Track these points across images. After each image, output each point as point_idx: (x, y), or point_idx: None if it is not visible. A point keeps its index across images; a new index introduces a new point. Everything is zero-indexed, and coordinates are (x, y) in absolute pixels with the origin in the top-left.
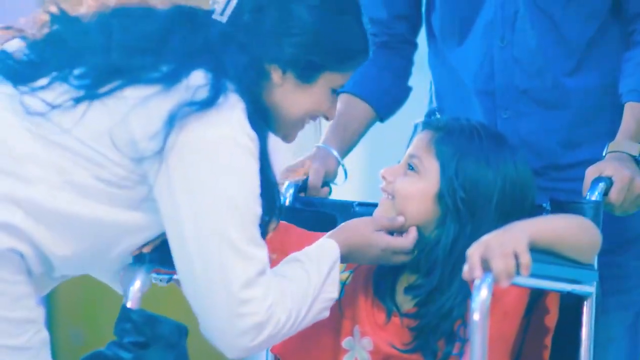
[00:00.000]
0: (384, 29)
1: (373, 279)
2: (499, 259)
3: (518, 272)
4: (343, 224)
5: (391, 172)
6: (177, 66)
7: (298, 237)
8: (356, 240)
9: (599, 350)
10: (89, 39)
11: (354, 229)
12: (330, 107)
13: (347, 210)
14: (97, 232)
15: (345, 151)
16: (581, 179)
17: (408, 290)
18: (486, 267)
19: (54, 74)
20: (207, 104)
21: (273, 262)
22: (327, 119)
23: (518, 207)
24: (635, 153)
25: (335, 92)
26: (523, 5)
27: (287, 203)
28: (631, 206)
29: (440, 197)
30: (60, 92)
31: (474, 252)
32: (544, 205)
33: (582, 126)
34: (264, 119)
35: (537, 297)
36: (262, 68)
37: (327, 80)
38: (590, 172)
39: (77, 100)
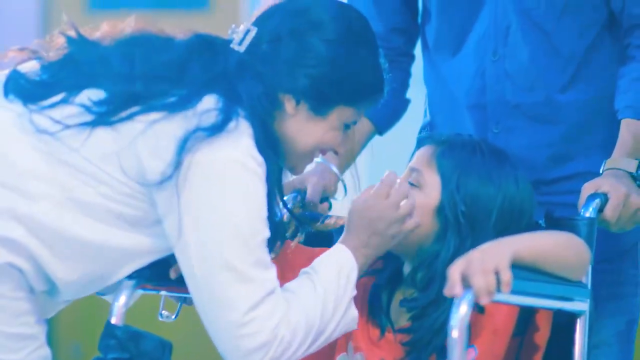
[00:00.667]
0: (380, 42)
1: (369, 294)
2: (479, 276)
3: (499, 289)
4: (349, 216)
5: None
6: (190, 92)
7: (295, 252)
8: (364, 224)
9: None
10: (110, 65)
11: (358, 212)
12: (341, 142)
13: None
14: (99, 254)
15: (344, 166)
16: (572, 192)
17: (404, 302)
18: (467, 284)
19: (64, 94)
20: (217, 128)
21: None
22: (336, 153)
23: (516, 224)
24: (632, 170)
25: (348, 128)
26: (516, 18)
27: (284, 219)
28: (628, 223)
29: (440, 211)
30: (70, 113)
31: (455, 269)
32: (540, 222)
33: (573, 140)
34: (273, 149)
35: (528, 314)
36: (276, 97)
37: (340, 114)
38: (587, 188)
39: (93, 124)
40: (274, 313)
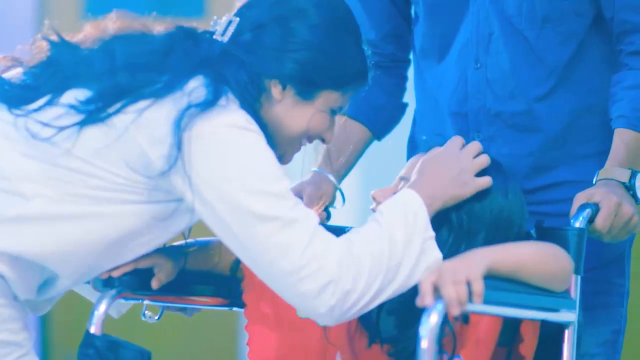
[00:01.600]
0: (374, 49)
1: None
2: (450, 286)
3: (471, 300)
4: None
5: (381, 193)
6: (176, 76)
7: None
8: (433, 169)
9: None
10: (92, 64)
11: (430, 159)
12: (328, 128)
13: (338, 236)
14: (89, 229)
15: (342, 174)
16: (553, 201)
17: (391, 312)
18: (438, 294)
19: (49, 97)
20: (210, 103)
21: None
22: (323, 141)
23: (504, 234)
24: (625, 179)
25: (334, 114)
26: (498, 26)
27: None
28: (621, 233)
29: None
30: (57, 114)
31: (426, 279)
32: (531, 232)
33: (554, 149)
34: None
35: (514, 325)
36: (262, 84)
37: (326, 99)
38: (579, 198)
39: (83, 123)
40: (329, 247)
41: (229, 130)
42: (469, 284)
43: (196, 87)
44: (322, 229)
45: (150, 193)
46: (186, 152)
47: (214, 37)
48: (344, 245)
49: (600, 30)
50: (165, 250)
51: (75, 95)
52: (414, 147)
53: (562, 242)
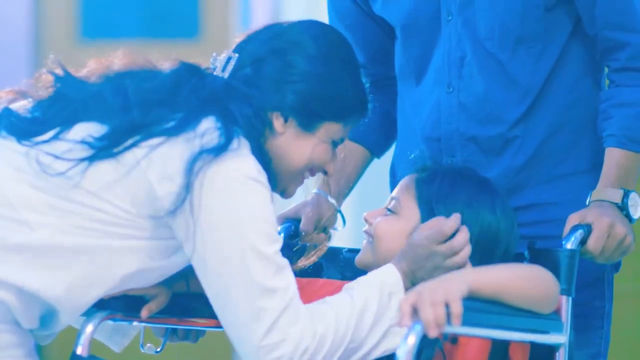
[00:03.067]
0: (365, 72)
1: None
2: (428, 308)
3: (450, 322)
4: (407, 244)
5: (372, 214)
6: (188, 114)
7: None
8: (415, 255)
9: None
10: (104, 99)
11: (411, 244)
12: (330, 160)
13: (336, 257)
14: (91, 259)
15: (343, 195)
16: (527, 224)
17: None
18: (417, 315)
19: (57, 129)
20: (222, 148)
21: None
22: (325, 174)
23: (491, 252)
24: (617, 200)
25: (335, 145)
26: (471, 50)
27: None
28: (614, 254)
29: None
30: (67, 148)
31: (405, 300)
32: (524, 253)
33: (528, 171)
34: (267, 169)
35: (503, 347)
36: (266, 117)
37: (328, 130)
38: (571, 220)
39: (95, 158)
40: (297, 321)
41: (240, 182)
42: (448, 306)
43: (208, 129)
44: (296, 299)
45: (154, 230)
46: (196, 195)
47: (215, 73)
48: (310, 321)
49: (578, 42)
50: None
51: (87, 129)
52: (392, 172)
53: (554, 263)
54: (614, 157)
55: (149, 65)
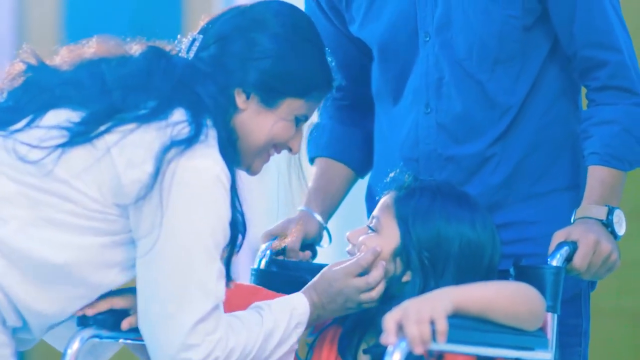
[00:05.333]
0: (346, 93)
1: (338, 339)
2: (413, 325)
3: (435, 339)
4: (319, 276)
5: (354, 234)
6: (160, 104)
7: (266, 299)
8: (328, 289)
9: None
10: (81, 85)
11: (325, 277)
12: (294, 137)
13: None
14: (69, 274)
15: (328, 213)
16: (505, 242)
17: (367, 350)
18: (402, 332)
19: (31, 117)
20: (192, 140)
21: None
22: (290, 150)
23: (475, 267)
24: (602, 217)
25: (299, 123)
26: (449, 70)
27: (262, 266)
28: (601, 270)
29: (399, 254)
30: (41, 136)
31: (390, 317)
32: (510, 270)
33: (506, 190)
34: (235, 148)
35: None
36: (230, 94)
37: (290, 106)
38: (557, 237)
39: (71, 144)
40: (217, 330)
41: (207, 180)
42: (433, 323)
43: (180, 121)
44: (222, 309)
45: (125, 223)
46: (166, 187)
47: (180, 54)
48: (226, 332)
49: (555, 62)
50: None
51: (63, 115)
52: (369, 192)
53: (539, 280)
54: (597, 174)
55: (121, 51)
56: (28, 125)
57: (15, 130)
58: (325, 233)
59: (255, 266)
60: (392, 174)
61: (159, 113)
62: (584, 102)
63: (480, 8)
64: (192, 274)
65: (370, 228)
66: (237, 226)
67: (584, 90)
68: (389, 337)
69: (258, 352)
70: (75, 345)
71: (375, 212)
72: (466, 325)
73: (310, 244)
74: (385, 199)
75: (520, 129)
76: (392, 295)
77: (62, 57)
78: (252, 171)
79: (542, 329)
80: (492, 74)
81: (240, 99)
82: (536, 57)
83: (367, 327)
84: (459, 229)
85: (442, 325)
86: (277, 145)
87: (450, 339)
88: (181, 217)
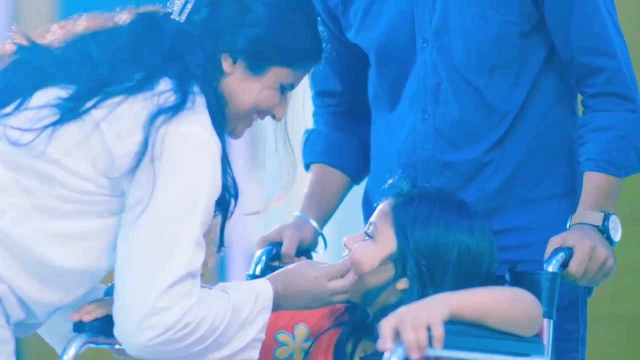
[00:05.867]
0: (342, 99)
1: (334, 346)
2: (410, 331)
3: (432, 345)
4: (287, 267)
5: (351, 240)
6: (147, 74)
7: None
8: (297, 283)
9: None
10: (70, 62)
11: (296, 272)
12: (278, 104)
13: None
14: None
15: (323, 219)
16: (502, 248)
17: (363, 359)
18: (399, 338)
19: (21, 99)
20: (178, 107)
21: None
22: (274, 117)
23: (472, 274)
24: (598, 223)
25: (284, 91)
26: (446, 76)
27: (257, 272)
28: (597, 276)
29: (394, 261)
30: (31, 117)
31: (387, 323)
32: (505, 276)
33: (504, 195)
34: (223, 113)
35: None
36: (218, 59)
37: (277, 74)
38: (553, 242)
39: (60, 122)
40: (191, 295)
41: (196, 147)
42: (429, 329)
43: (166, 90)
44: (199, 279)
45: (119, 202)
46: (157, 153)
47: (171, 17)
48: (200, 301)
49: (552, 68)
50: None
51: (52, 93)
52: (366, 198)
53: (535, 286)
54: (593, 181)
55: (109, 23)
56: (17, 108)
57: (5, 114)
58: (320, 239)
59: (251, 272)
60: (390, 181)
61: (145, 84)
62: (580, 109)
63: (478, 14)
64: (174, 239)
65: (367, 234)
66: (230, 191)
67: (580, 97)
68: (385, 342)
69: (226, 327)
70: (72, 351)
71: (372, 219)
72: (463, 331)
73: (305, 250)
74: (382, 206)
75: (518, 135)
76: (389, 303)
77: (54, 35)
78: (234, 135)
79: (539, 335)
80: (490, 80)
81: (226, 64)
82: (533, 63)
83: (363, 334)
84: (457, 236)
85: (439, 331)
86: (261, 112)
87: (447, 345)
88: (170, 183)
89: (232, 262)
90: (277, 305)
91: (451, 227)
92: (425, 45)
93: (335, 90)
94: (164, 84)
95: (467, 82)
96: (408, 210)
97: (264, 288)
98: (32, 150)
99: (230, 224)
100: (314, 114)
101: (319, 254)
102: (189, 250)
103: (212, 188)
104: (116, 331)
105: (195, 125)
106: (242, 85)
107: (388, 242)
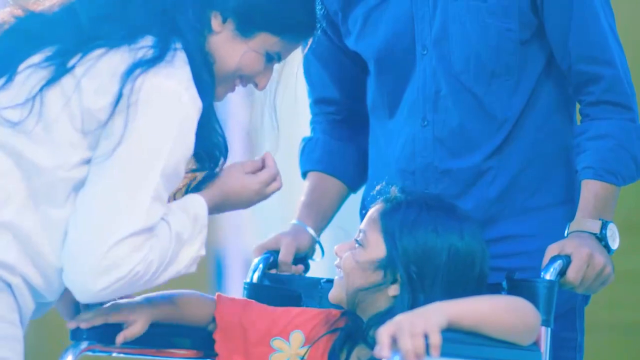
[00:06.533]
0: (340, 107)
1: (329, 353)
2: (407, 339)
3: (429, 353)
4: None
5: (342, 248)
6: (130, 30)
7: (258, 312)
8: (229, 185)
9: None
10: (56, 23)
11: (225, 177)
12: (262, 73)
13: (314, 287)
14: None
15: (320, 226)
16: (499, 256)
17: None
18: (396, 346)
19: (8, 74)
20: (156, 60)
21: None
22: (256, 86)
23: (463, 277)
24: (596, 231)
25: (270, 59)
26: (446, 84)
27: (255, 280)
28: (595, 284)
29: (383, 268)
30: (20, 85)
31: (384, 330)
32: (503, 284)
33: (502, 203)
34: (209, 70)
35: None
36: (207, 16)
37: (264, 40)
38: (550, 250)
39: (48, 83)
40: (143, 249)
41: (171, 100)
42: (427, 337)
43: (146, 45)
44: (154, 231)
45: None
46: (133, 100)
47: None
48: (148, 252)
49: (551, 76)
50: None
51: (39, 57)
52: (363, 206)
53: (532, 294)
54: (591, 188)
55: None
56: (7, 82)
57: None
58: (317, 246)
59: (248, 280)
60: (378, 187)
61: (127, 39)
62: (577, 117)
63: (477, 21)
64: (133, 191)
65: (357, 242)
66: (219, 148)
67: (577, 105)
68: (383, 350)
69: (170, 258)
70: (69, 358)
71: (362, 226)
72: (460, 339)
73: (302, 258)
74: (371, 212)
75: (516, 143)
76: (381, 310)
77: (50, 1)
78: (215, 98)
79: (536, 343)
80: (489, 88)
81: (215, 22)
82: (532, 71)
83: (358, 340)
84: (447, 239)
85: (436, 339)
86: (244, 78)
87: (444, 353)
88: (136, 133)
89: (229, 270)
90: (218, 211)
91: (440, 231)
92: (425, 52)
93: (333, 98)
94: (146, 40)
95: (467, 89)
96: (396, 216)
97: (200, 207)
98: (23, 130)
99: (228, 232)
100: (312, 122)
101: (316, 262)
102: (147, 203)
103: (179, 145)
104: (66, 279)
105: (171, 79)
106: (228, 45)
107: (377, 249)
